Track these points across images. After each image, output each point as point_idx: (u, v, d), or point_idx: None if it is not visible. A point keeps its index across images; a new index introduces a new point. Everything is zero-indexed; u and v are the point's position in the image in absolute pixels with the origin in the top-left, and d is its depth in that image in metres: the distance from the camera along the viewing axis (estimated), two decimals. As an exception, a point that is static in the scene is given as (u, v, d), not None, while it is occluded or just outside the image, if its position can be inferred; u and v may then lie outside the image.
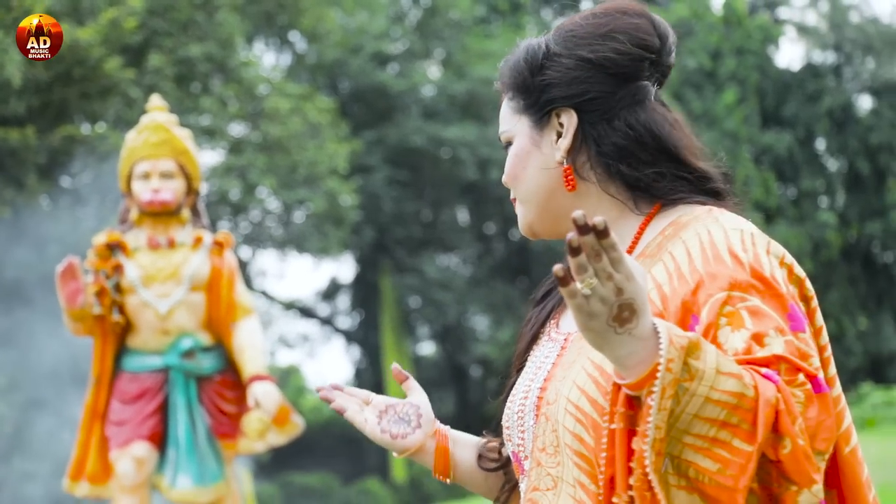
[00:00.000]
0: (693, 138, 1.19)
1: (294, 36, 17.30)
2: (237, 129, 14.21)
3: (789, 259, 1.08)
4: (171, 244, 4.19)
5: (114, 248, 4.13)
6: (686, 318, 1.03)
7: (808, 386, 0.93)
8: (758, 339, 0.97)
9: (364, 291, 18.96)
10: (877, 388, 14.66)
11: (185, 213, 4.24)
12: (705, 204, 1.15)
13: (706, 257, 1.06)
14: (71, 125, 11.54)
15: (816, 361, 0.98)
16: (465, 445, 1.34)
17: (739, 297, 1.00)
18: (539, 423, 1.15)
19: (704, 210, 1.13)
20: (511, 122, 1.24)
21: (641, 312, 0.85)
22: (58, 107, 11.42)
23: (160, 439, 4.19)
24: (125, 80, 10.81)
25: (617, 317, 0.84)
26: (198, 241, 4.22)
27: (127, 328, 4.20)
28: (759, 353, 0.95)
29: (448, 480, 1.33)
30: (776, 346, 0.95)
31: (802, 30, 20.93)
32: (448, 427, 1.33)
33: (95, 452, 4.19)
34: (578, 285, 0.83)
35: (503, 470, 1.33)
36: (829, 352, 1.09)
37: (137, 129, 4.24)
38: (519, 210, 1.26)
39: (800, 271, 1.08)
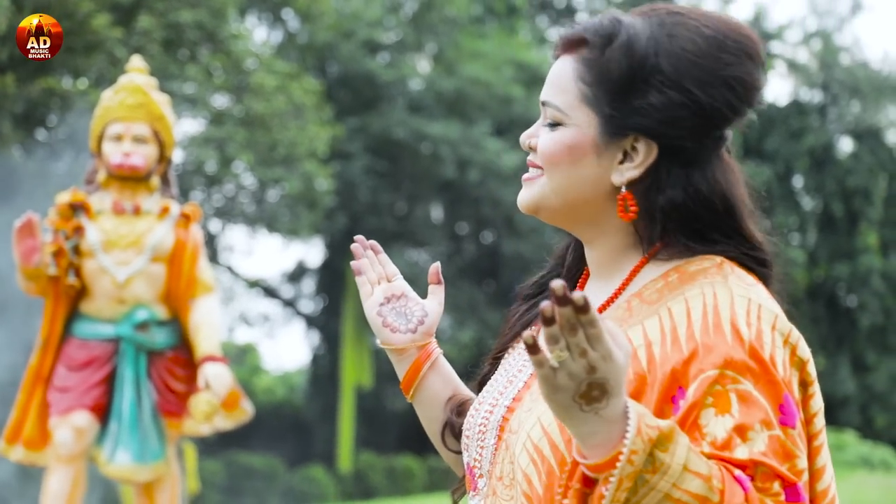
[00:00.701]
0: (749, 197, 1.11)
1: (287, 14, 17.16)
2: (220, 101, 14.09)
3: (795, 336, 1.01)
4: (137, 211, 4.05)
5: (77, 208, 3.98)
6: (672, 388, 0.98)
7: (783, 497, 0.89)
8: (741, 431, 0.92)
9: (330, 277, 18.87)
10: (828, 430, 14.97)
11: (155, 180, 4.10)
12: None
13: (706, 325, 0.99)
14: (52, 78, 11.41)
15: (802, 462, 0.93)
16: (444, 380, 1.27)
17: (731, 378, 0.94)
18: (500, 449, 1.10)
19: (714, 263, 1.05)
20: (571, 103, 1.09)
21: (613, 394, 0.80)
22: (41, 58, 11.33)
23: (103, 411, 4.03)
24: (112, 38, 10.66)
25: (584, 394, 0.79)
26: (164, 211, 4.09)
27: (81, 293, 4.05)
28: (738, 450, 0.90)
29: (409, 399, 1.28)
30: (758, 443, 0.90)
31: (793, 66, 21.25)
32: (441, 353, 1.27)
33: (35, 417, 4.05)
34: (548, 355, 0.78)
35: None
36: (821, 438, 1.04)
37: (114, 89, 4.09)
38: (535, 184, 1.13)
39: (804, 351, 1.01)
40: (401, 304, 1.25)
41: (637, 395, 0.96)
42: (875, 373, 19.77)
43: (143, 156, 3.96)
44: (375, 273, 1.27)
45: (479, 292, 18.40)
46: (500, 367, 1.16)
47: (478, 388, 1.20)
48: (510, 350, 1.16)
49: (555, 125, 1.08)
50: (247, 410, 4.07)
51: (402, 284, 1.26)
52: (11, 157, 11.39)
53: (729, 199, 1.07)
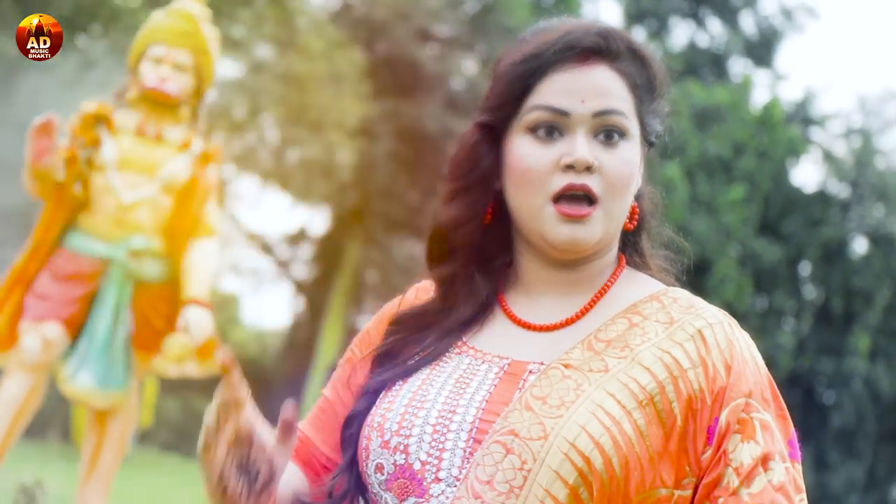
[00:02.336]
0: None
1: (350, -19, 17.36)
2: (262, 52, 14.17)
3: None
4: (159, 138, 4.04)
5: (100, 120, 3.98)
6: (716, 409, 1.02)
7: None
8: (765, 460, 0.97)
9: (328, 249, 19.02)
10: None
11: (185, 111, 4.11)
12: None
13: (732, 354, 1.05)
14: (106, -14, 11.53)
15: (805, 499, 1.00)
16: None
17: (755, 407, 1.00)
18: (489, 453, 1.03)
19: (687, 294, 1.12)
20: (630, 112, 1.10)
21: None
22: (98, -37, 11.38)
23: (76, 328, 4.00)
24: (172, -40, 10.71)
25: None
26: (186, 145, 4.08)
27: (83, 206, 4.03)
28: (755, 481, 0.96)
29: None
30: (778, 473, 0.96)
31: (828, 157, 21.39)
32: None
33: (6, 318, 4.01)
34: None
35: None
36: None
37: (166, 11, 4.09)
38: (593, 220, 1.08)
39: None
40: (244, 454, 0.98)
41: (690, 417, 1.01)
42: (834, 474, 19.90)
43: (178, 84, 3.97)
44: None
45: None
46: (423, 370, 1.09)
47: (373, 390, 1.11)
48: (430, 355, 1.10)
49: (615, 136, 1.06)
50: (218, 363, 4.02)
51: (253, 423, 0.97)
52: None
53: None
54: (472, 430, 1.05)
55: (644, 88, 1.11)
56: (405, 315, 1.19)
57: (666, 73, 1.15)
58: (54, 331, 3.92)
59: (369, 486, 1.09)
